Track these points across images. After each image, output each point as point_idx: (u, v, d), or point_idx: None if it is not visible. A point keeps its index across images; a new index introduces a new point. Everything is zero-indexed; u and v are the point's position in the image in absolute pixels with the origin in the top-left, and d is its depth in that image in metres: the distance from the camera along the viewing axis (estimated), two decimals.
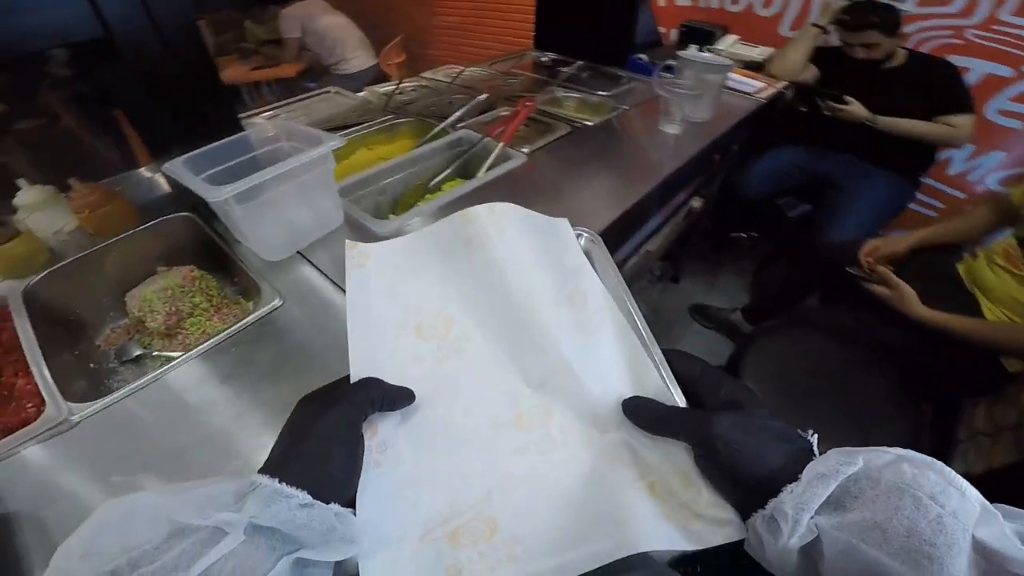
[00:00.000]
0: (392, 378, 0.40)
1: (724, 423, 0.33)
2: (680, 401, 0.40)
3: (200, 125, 0.83)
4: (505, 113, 1.32)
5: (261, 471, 0.31)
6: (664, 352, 0.42)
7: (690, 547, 0.33)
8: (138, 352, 0.85)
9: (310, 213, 0.84)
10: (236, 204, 0.70)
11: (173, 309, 0.85)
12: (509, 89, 1.55)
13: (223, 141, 0.78)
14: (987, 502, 0.25)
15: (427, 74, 1.66)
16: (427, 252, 0.50)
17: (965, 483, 0.26)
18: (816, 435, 0.32)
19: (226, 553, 0.27)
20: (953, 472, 0.26)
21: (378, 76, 2.89)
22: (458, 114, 1.25)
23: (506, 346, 0.46)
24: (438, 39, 3.48)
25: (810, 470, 0.28)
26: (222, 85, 0.92)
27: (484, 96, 1.31)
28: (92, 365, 0.84)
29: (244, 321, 0.72)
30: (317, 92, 1.51)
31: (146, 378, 0.64)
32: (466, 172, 1.16)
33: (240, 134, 0.80)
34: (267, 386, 0.63)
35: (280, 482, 0.30)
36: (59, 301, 0.85)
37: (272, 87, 2.92)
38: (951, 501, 0.25)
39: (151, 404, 0.62)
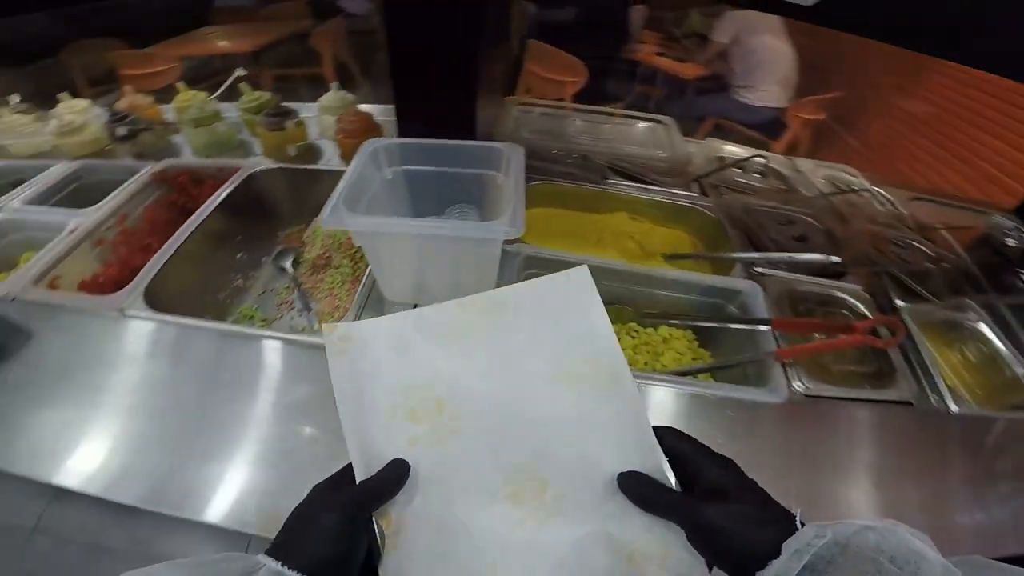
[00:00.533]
0: (387, 460, 0.42)
1: (712, 513, 0.35)
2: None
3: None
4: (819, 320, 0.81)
5: (267, 552, 0.33)
6: (655, 428, 0.43)
7: None
8: (284, 265, 0.94)
9: (448, 278, 0.69)
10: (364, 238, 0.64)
11: (326, 253, 0.93)
12: (894, 260, 0.94)
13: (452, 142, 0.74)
14: (948, 563, 0.27)
15: (823, 166, 1.21)
16: (416, 333, 0.48)
17: (924, 546, 0.28)
18: (799, 510, 0.33)
19: None
20: (914, 536, 0.29)
21: (773, 122, 2.44)
22: (769, 256, 0.87)
23: (498, 426, 0.46)
24: (889, 136, 2.49)
25: (787, 546, 0.30)
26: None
27: (833, 258, 0.85)
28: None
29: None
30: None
31: None
32: (712, 342, 0.83)
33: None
34: None
35: (283, 565, 0.32)
36: (277, 190, 1.04)
37: (661, 80, 2.77)
38: (910, 563, 0.27)
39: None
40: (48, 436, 0.60)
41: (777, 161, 1.17)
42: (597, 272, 0.72)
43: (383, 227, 0.58)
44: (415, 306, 0.70)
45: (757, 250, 0.89)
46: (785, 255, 0.86)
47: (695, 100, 2.70)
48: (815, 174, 1.17)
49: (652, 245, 0.95)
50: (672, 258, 0.93)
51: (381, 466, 0.41)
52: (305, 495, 0.39)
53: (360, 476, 0.41)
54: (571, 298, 0.50)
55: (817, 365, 0.75)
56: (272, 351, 0.69)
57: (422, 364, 0.47)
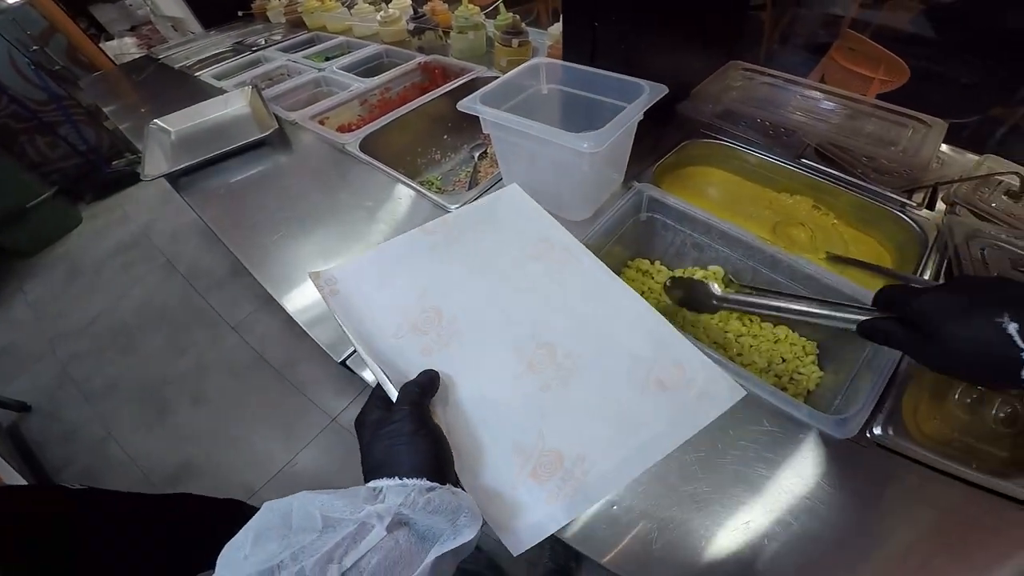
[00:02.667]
0: (413, 373, 0.47)
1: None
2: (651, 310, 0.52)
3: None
4: None
5: (372, 479, 0.37)
6: None
7: (703, 422, 0.45)
8: (475, 154, 1.16)
9: (551, 187, 0.75)
10: (493, 129, 0.72)
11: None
12: None
13: None
14: None
15: None
16: (394, 263, 0.57)
17: None
18: None
19: (372, 546, 0.31)
20: None
21: None
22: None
23: (493, 314, 0.54)
24: None
25: None
26: None
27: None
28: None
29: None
30: None
31: None
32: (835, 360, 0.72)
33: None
34: None
35: (399, 479, 0.36)
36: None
37: None
38: None
39: None
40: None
41: None
42: (734, 243, 0.75)
43: (487, 114, 0.67)
44: None
45: None
46: None
47: None
48: None
49: (828, 243, 0.83)
50: (836, 259, 0.79)
51: (406, 376, 0.47)
52: (358, 436, 0.43)
53: (388, 387, 0.45)
54: (513, 207, 0.63)
55: (933, 420, 0.59)
56: (407, 197, 0.88)
57: (409, 285, 0.55)
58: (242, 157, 1.05)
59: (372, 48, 1.42)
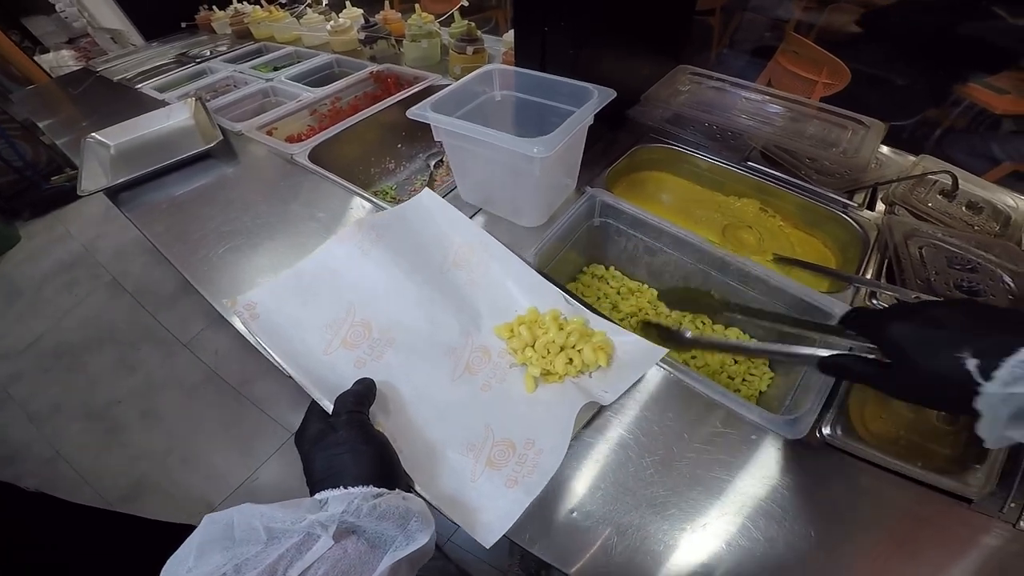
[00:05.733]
0: (347, 386, 0.47)
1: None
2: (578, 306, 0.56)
3: None
4: None
5: (316, 491, 0.36)
6: None
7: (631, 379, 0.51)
8: (430, 163, 1.18)
9: (505, 192, 0.75)
10: (445, 136, 0.71)
11: None
12: None
13: None
14: None
15: None
16: (313, 280, 0.56)
17: None
18: None
19: (319, 556, 0.31)
20: None
21: None
22: (904, 292, 0.67)
23: (423, 322, 0.54)
24: None
25: None
26: None
27: None
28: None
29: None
30: None
31: None
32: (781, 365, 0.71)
33: None
34: None
35: (344, 487, 0.35)
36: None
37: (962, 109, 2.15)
38: None
39: None
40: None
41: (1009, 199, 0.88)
42: (685, 247, 0.76)
43: (438, 122, 0.66)
44: (479, 211, 0.79)
45: (893, 280, 0.72)
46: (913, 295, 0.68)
47: (999, 138, 2.07)
48: None
49: (776, 245, 0.85)
50: (782, 260, 0.81)
51: (340, 390, 0.46)
52: (300, 453, 0.42)
53: (323, 402, 0.46)
54: (431, 212, 0.63)
55: (879, 419, 0.61)
56: (360, 208, 0.86)
57: (333, 301, 0.55)
58: (186, 170, 1.00)
59: (322, 58, 1.39)
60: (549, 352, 0.52)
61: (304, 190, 0.91)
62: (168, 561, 0.31)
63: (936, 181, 0.88)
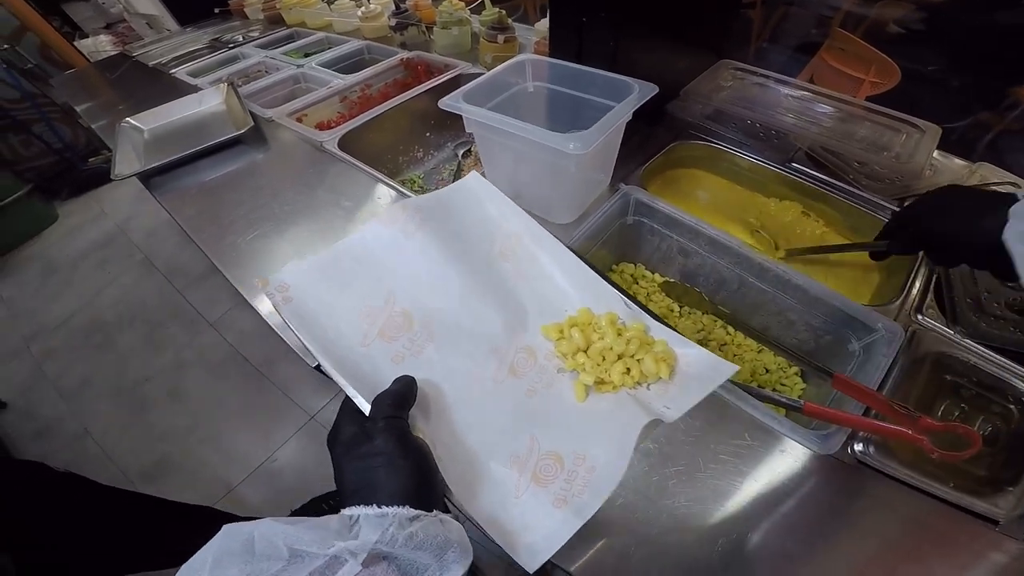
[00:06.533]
0: (385, 383, 0.42)
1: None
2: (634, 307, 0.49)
3: None
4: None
5: (347, 506, 0.33)
6: None
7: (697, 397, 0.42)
8: (458, 152, 1.16)
9: (536, 188, 0.73)
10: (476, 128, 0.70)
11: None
12: None
13: None
14: None
15: None
16: (354, 262, 0.50)
17: None
18: None
19: None
20: None
21: None
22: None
23: (466, 316, 0.49)
24: None
25: None
26: None
27: None
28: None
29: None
30: None
31: None
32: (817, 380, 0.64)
33: None
34: None
35: (378, 506, 0.31)
36: None
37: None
38: None
39: None
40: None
41: None
42: (721, 250, 0.73)
43: (470, 113, 0.64)
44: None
45: (941, 303, 0.68)
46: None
47: None
48: None
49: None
50: (793, 254, 0.78)
51: (379, 387, 0.41)
52: (331, 456, 0.38)
53: (359, 400, 0.41)
54: (478, 197, 0.57)
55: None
56: (387, 197, 0.85)
57: (372, 288, 0.49)
58: (217, 156, 1.00)
59: (353, 44, 1.38)
60: (604, 359, 0.47)
61: (331, 177, 0.90)
62: (182, 568, 0.29)
63: (996, 191, 0.83)
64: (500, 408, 0.45)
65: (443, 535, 0.32)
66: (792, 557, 0.44)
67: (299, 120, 1.08)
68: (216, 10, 1.99)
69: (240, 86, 1.21)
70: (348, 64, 1.35)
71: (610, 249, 0.82)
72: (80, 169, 2.59)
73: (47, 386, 1.77)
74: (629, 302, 0.50)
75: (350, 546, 0.29)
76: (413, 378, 0.42)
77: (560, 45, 0.80)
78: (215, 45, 1.62)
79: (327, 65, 1.29)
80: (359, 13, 1.40)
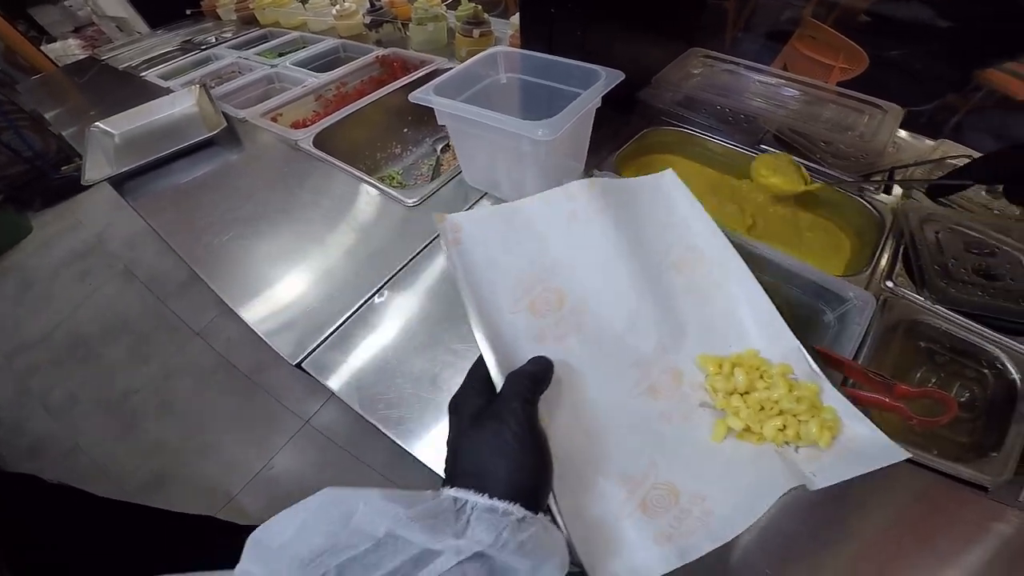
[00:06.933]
0: (521, 360, 0.40)
1: None
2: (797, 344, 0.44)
3: None
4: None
5: (457, 484, 0.31)
6: None
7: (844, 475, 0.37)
8: (437, 147, 1.15)
9: (511, 175, 0.74)
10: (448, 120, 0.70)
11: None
12: None
13: None
14: None
15: None
16: (525, 225, 0.47)
17: None
18: None
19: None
20: None
21: None
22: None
23: (620, 317, 0.45)
24: None
25: None
26: None
27: None
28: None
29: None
30: None
31: None
32: None
33: None
34: None
35: (490, 496, 0.30)
36: None
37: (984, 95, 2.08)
38: None
39: None
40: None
41: None
42: None
43: (441, 105, 0.65)
44: (484, 195, 0.78)
45: (910, 271, 0.70)
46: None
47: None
48: None
49: (787, 228, 0.82)
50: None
51: (514, 360, 0.39)
52: (450, 420, 0.37)
53: (494, 370, 0.39)
54: (665, 195, 0.53)
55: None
56: (365, 194, 0.85)
57: (536, 255, 0.46)
58: (190, 158, 1.00)
59: (328, 43, 1.38)
60: (763, 410, 0.42)
61: (309, 176, 0.90)
62: (265, 524, 0.28)
63: (956, 166, 0.86)
64: (627, 423, 0.41)
65: (549, 546, 0.30)
66: (787, 535, 0.45)
67: (273, 120, 1.08)
68: (188, 11, 1.96)
69: (213, 87, 1.21)
70: (323, 63, 1.34)
71: None
72: (52, 178, 2.54)
73: (34, 403, 1.74)
74: (811, 360, 0.44)
75: (461, 545, 0.27)
76: (551, 363, 0.39)
77: (531, 36, 0.81)
78: (187, 47, 1.60)
79: (302, 64, 1.28)
80: (333, 11, 1.40)
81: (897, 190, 0.82)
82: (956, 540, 0.46)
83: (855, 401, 0.48)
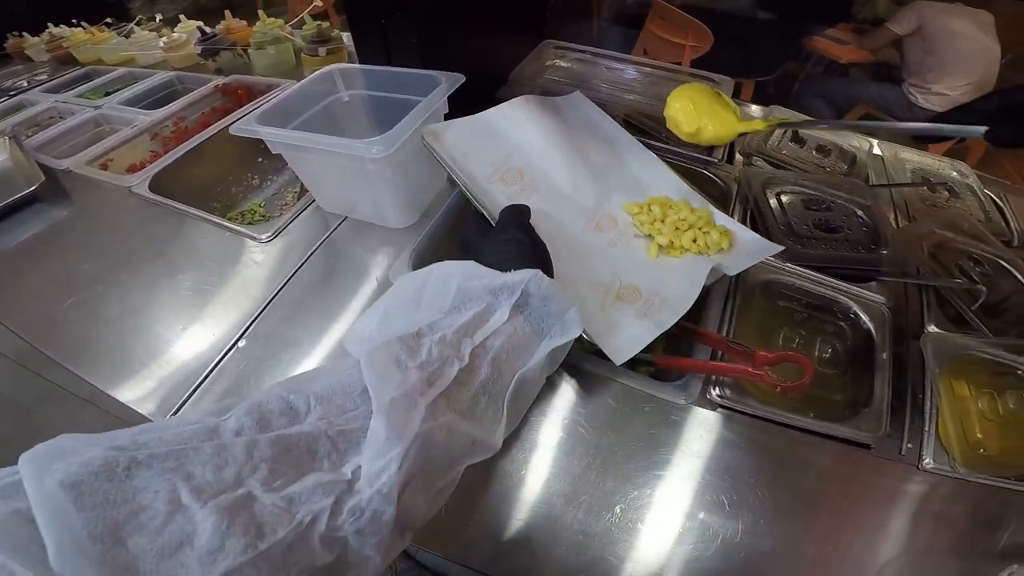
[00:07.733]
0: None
1: None
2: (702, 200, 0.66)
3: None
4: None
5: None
6: None
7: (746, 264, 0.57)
8: None
9: (362, 195, 0.71)
10: (283, 149, 0.67)
11: None
12: (954, 277, 0.75)
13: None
14: None
15: None
16: (485, 127, 0.66)
17: None
18: None
19: (495, 329, 0.34)
20: None
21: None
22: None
23: (564, 181, 0.64)
24: None
25: None
26: None
27: None
28: None
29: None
30: None
31: None
32: None
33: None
34: None
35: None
36: None
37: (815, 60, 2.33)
38: None
39: None
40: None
41: (854, 140, 0.95)
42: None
43: (266, 135, 0.61)
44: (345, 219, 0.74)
45: (759, 233, 0.74)
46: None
47: (848, 85, 2.27)
48: (901, 164, 0.93)
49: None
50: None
51: (498, 207, 0.52)
52: (462, 248, 0.55)
53: (487, 212, 0.55)
54: (581, 110, 0.76)
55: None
56: (212, 234, 0.78)
57: (496, 147, 0.65)
58: (9, 221, 0.86)
59: (160, 76, 1.25)
60: (678, 228, 0.59)
61: (149, 224, 0.81)
62: (354, 322, 0.39)
63: (787, 130, 0.93)
64: (587, 248, 0.58)
65: (568, 298, 0.38)
66: (689, 515, 0.46)
67: (103, 167, 0.96)
68: None
69: (29, 136, 1.06)
70: (158, 98, 1.22)
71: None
72: None
73: None
74: (701, 195, 0.65)
75: (508, 280, 0.36)
76: (527, 206, 0.50)
77: (366, 50, 0.77)
78: None
79: (132, 102, 1.16)
80: (161, 43, 1.28)
81: (739, 158, 0.88)
82: (852, 500, 0.48)
83: (719, 373, 0.52)
